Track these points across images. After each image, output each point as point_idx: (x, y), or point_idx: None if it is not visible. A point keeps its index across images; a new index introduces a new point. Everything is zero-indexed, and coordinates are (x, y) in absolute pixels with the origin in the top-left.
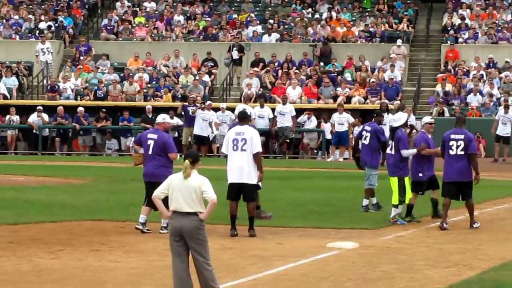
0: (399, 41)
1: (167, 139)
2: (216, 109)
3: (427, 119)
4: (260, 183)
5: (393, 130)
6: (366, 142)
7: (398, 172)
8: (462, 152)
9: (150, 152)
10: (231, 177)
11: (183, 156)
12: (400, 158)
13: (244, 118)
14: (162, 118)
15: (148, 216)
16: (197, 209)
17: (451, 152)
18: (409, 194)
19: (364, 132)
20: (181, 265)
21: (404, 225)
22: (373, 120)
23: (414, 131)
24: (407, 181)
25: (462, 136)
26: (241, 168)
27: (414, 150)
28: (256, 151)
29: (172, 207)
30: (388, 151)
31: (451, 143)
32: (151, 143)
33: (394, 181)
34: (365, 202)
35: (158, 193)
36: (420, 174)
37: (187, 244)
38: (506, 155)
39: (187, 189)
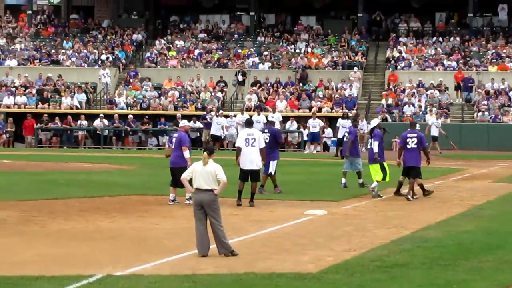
0: (355, 68)
1: (182, 137)
2: (226, 116)
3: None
4: (274, 171)
5: (371, 130)
6: (347, 140)
7: (377, 160)
8: (415, 146)
9: (173, 147)
10: (245, 165)
11: (203, 149)
12: (377, 150)
13: (250, 123)
14: (182, 122)
15: (175, 193)
16: (213, 187)
17: (408, 146)
18: (388, 176)
19: (345, 133)
20: (201, 226)
21: (361, 198)
22: (351, 124)
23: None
24: (386, 165)
25: (415, 135)
26: (252, 160)
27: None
28: (262, 146)
29: (195, 185)
30: (368, 146)
31: (407, 140)
32: (174, 140)
33: (375, 167)
34: (344, 181)
35: (185, 176)
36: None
37: (206, 212)
38: (439, 149)
39: (205, 172)
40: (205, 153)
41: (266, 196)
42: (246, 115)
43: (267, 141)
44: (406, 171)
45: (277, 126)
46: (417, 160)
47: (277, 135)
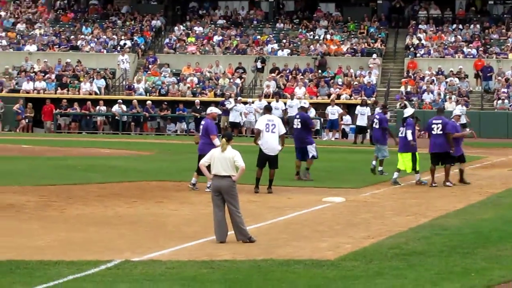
0: (374, 55)
1: (209, 125)
2: (245, 103)
3: (456, 112)
4: (316, 153)
5: (403, 119)
6: (377, 126)
7: (410, 149)
8: (441, 132)
9: (200, 134)
10: (265, 150)
11: (221, 135)
12: (411, 138)
13: (269, 109)
14: (210, 109)
15: (198, 179)
16: (231, 173)
17: (433, 132)
18: (418, 165)
19: (375, 119)
20: (219, 212)
21: (379, 185)
22: (380, 111)
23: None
24: (417, 155)
25: (440, 121)
26: (271, 146)
27: (410, 137)
28: (282, 132)
29: (213, 171)
30: (400, 134)
31: (433, 126)
32: (201, 127)
33: (405, 156)
34: (374, 163)
35: (204, 162)
36: (451, 151)
37: (224, 198)
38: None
39: (224, 159)
40: (223, 139)
41: (284, 183)
42: (264, 102)
43: (298, 126)
44: (433, 157)
45: (295, 113)
46: (443, 146)
47: (308, 120)
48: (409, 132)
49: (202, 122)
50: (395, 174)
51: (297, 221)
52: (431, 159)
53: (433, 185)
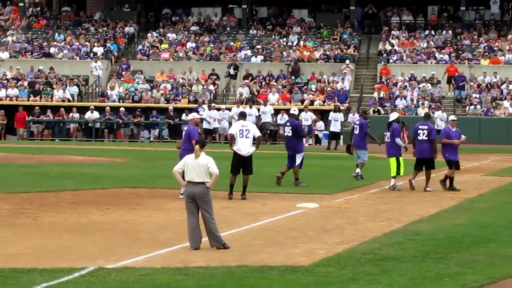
0: (347, 61)
1: (192, 130)
2: (218, 109)
3: (452, 117)
4: (300, 163)
5: (389, 124)
6: (357, 132)
7: (394, 154)
8: (426, 138)
9: (183, 140)
10: (239, 153)
11: (194, 142)
12: (394, 144)
13: (244, 115)
14: (192, 115)
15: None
16: (205, 180)
17: (418, 138)
18: (402, 169)
19: (355, 125)
20: (193, 219)
21: (352, 191)
22: (360, 116)
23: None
24: (401, 160)
25: (426, 127)
26: (245, 149)
27: (400, 142)
28: (257, 135)
29: (187, 178)
30: (386, 139)
31: (418, 131)
32: (183, 133)
33: (391, 161)
34: (358, 171)
35: (177, 168)
36: (447, 154)
37: (198, 205)
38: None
39: (197, 165)
40: (197, 146)
41: (258, 189)
42: (241, 108)
43: (289, 134)
44: (418, 163)
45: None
46: (428, 152)
47: (299, 128)
48: (397, 140)
49: (184, 128)
50: (392, 181)
51: (271, 227)
52: (415, 164)
53: (412, 185)
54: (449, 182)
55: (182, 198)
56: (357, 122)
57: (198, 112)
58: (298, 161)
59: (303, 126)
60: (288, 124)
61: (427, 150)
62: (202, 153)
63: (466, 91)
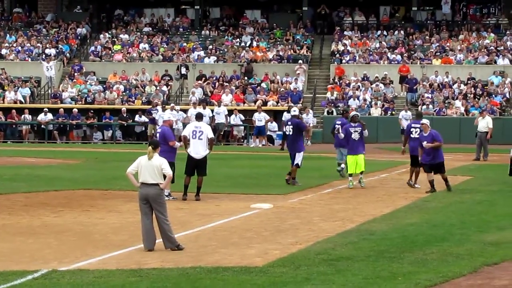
0: (300, 62)
1: (166, 131)
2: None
3: (424, 121)
4: (300, 162)
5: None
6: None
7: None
8: (418, 136)
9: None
10: (192, 155)
11: (148, 143)
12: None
13: (200, 117)
14: (167, 116)
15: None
16: (158, 181)
17: (411, 136)
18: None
19: (336, 125)
20: (147, 221)
21: (306, 191)
22: (342, 116)
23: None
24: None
25: (418, 125)
26: (197, 151)
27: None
28: (210, 136)
29: (141, 179)
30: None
31: (411, 129)
32: (157, 135)
33: (360, 157)
34: (343, 166)
35: (130, 170)
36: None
37: (151, 206)
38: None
39: (151, 167)
40: (150, 147)
41: (212, 189)
42: (197, 109)
43: (291, 133)
44: (412, 160)
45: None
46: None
47: (300, 124)
48: (365, 132)
49: (158, 130)
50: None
51: (225, 228)
52: (410, 161)
53: (416, 186)
54: (445, 184)
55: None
56: (339, 122)
57: (151, 113)
58: (298, 160)
59: (306, 123)
60: (289, 123)
61: (417, 147)
62: (155, 154)
63: (419, 91)
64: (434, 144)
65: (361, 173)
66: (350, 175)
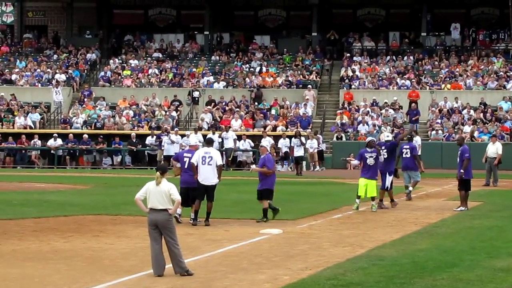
0: (309, 87)
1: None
2: (182, 136)
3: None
4: (389, 184)
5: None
6: (408, 155)
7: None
8: (408, 155)
9: (186, 166)
10: (202, 181)
11: (155, 168)
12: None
13: (210, 142)
14: (194, 142)
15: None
16: (167, 206)
17: (403, 156)
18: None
19: (404, 149)
20: (156, 246)
21: (316, 216)
22: (408, 140)
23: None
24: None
25: (408, 146)
26: (207, 177)
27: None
28: (219, 164)
29: (149, 205)
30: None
31: (403, 150)
32: (186, 160)
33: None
34: (411, 189)
35: (139, 196)
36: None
37: (161, 231)
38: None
39: (159, 192)
40: (157, 172)
41: (221, 215)
42: (198, 135)
43: (385, 156)
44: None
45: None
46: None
47: (393, 148)
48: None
49: (188, 155)
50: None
51: (234, 253)
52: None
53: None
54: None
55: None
56: (407, 146)
57: (161, 138)
58: (387, 183)
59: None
60: (383, 147)
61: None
62: (164, 179)
63: (428, 113)
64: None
65: (372, 199)
66: (358, 197)
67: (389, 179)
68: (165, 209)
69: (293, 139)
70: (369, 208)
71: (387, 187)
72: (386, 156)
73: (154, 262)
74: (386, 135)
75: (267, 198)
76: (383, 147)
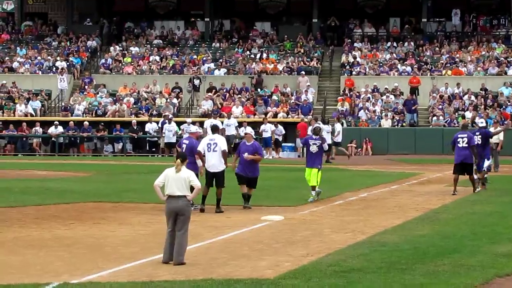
0: (303, 73)
1: (194, 144)
2: (183, 122)
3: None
4: (486, 167)
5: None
6: (480, 142)
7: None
8: (466, 145)
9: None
10: (209, 168)
11: (175, 156)
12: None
13: (215, 129)
14: (195, 128)
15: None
16: (185, 193)
17: (459, 145)
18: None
19: (475, 136)
20: (171, 232)
21: (317, 203)
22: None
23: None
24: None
25: (465, 135)
26: (213, 164)
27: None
28: (223, 149)
29: (167, 192)
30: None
31: (458, 139)
32: (184, 146)
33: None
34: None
35: (158, 182)
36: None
37: (176, 218)
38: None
39: (179, 179)
40: (178, 160)
41: (223, 202)
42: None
43: (479, 142)
44: (458, 168)
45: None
46: (468, 158)
47: (488, 135)
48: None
49: (186, 142)
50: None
51: (236, 240)
52: (454, 169)
53: (455, 193)
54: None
55: (147, 210)
56: (478, 133)
57: (163, 125)
58: (485, 165)
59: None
60: (477, 133)
61: (467, 156)
62: (183, 167)
63: (429, 99)
64: None
65: (313, 188)
66: (313, 188)
67: (487, 162)
68: (183, 196)
69: (324, 126)
70: (370, 194)
71: (484, 169)
72: (480, 142)
73: (167, 249)
74: (481, 122)
75: (254, 187)
76: (477, 133)
